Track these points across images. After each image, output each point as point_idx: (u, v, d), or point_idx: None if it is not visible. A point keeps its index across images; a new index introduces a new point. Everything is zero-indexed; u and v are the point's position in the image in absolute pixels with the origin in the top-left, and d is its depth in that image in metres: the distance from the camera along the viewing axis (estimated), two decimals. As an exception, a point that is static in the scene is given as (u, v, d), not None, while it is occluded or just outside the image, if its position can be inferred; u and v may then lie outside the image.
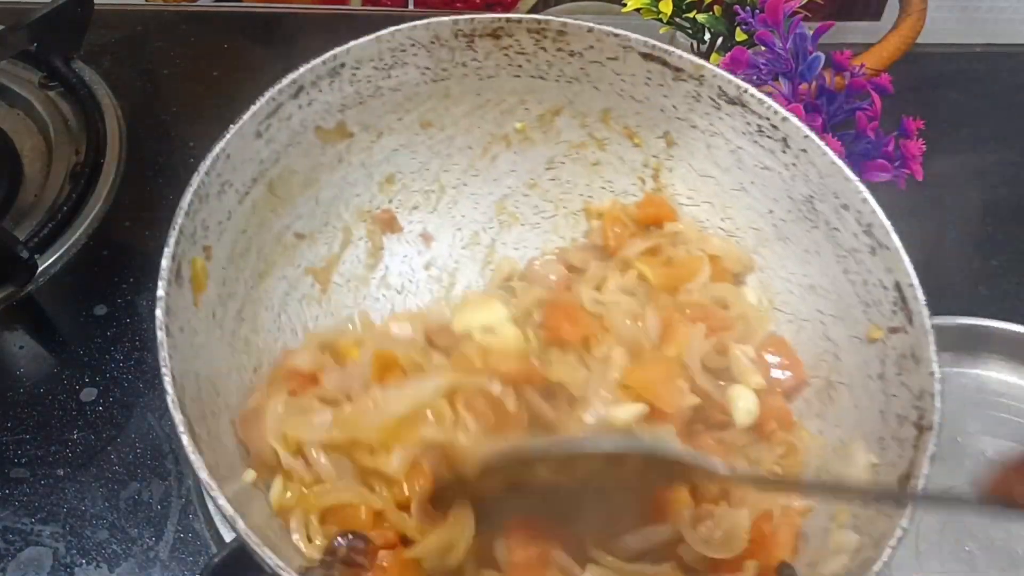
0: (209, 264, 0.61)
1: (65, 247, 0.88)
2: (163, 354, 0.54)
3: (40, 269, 0.86)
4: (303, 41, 1.12)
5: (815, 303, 0.71)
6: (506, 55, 0.72)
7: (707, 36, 0.98)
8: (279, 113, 0.64)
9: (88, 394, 0.81)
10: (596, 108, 0.76)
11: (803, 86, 0.82)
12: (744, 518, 0.61)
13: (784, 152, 0.70)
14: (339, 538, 0.57)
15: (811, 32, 0.83)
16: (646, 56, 0.72)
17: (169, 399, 0.52)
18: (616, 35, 0.71)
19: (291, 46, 1.12)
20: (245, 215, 0.64)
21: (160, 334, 0.54)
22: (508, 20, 0.70)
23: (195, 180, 0.59)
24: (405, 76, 0.71)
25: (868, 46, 1.00)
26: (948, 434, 0.91)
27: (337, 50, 0.66)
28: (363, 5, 1.28)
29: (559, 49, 0.72)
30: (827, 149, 0.68)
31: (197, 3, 1.16)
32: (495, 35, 0.71)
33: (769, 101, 0.70)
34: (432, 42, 0.70)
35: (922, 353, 0.62)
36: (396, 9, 1.27)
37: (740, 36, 0.92)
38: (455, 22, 0.70)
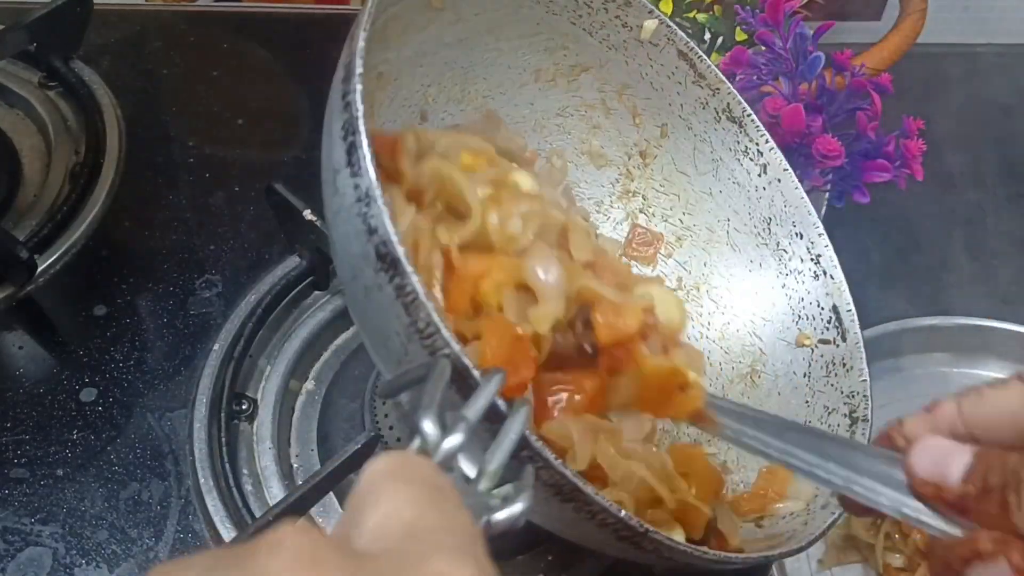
0: None
1: (65, 247, 0.87)
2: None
3: (40, 269, 0.85)
4: (303, 41, 1.12)
5: (749, 305, 0.78)
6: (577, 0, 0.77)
7: (707, 36, 0.98)
8: None
9: (88, 394, 0.81)
10: (618, 80, 0.81)
11: (803, 86, 0.82)
12: None
13: (760, 176, 0.77)
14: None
15: (811, 32, 0.83)
16: (681, 54, 0.77)
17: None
18: (668, 26, 0.77)
19: (291, 46, 1.12)
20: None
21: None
22: None
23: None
24: None
25: (868, 46, 1.00)
26: (948, 434, 0.91)
27: None
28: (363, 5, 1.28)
29: (617, 16, 0.77)
30: (799, 184, 0.75)
31: (197, 3, 1.16)
32: None
33: (764, 130, 0.76)
34: None
35: (854, 363, 0.69)
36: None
37: (740, 36, 0.92)
38: None
